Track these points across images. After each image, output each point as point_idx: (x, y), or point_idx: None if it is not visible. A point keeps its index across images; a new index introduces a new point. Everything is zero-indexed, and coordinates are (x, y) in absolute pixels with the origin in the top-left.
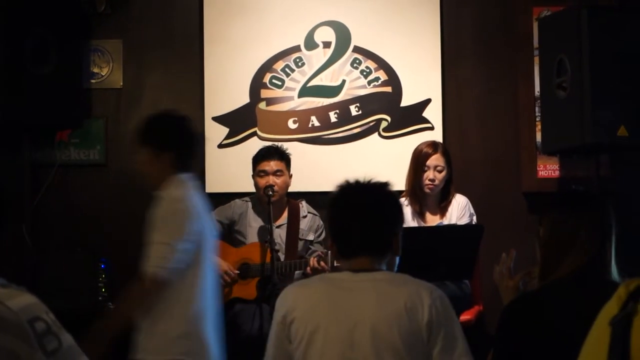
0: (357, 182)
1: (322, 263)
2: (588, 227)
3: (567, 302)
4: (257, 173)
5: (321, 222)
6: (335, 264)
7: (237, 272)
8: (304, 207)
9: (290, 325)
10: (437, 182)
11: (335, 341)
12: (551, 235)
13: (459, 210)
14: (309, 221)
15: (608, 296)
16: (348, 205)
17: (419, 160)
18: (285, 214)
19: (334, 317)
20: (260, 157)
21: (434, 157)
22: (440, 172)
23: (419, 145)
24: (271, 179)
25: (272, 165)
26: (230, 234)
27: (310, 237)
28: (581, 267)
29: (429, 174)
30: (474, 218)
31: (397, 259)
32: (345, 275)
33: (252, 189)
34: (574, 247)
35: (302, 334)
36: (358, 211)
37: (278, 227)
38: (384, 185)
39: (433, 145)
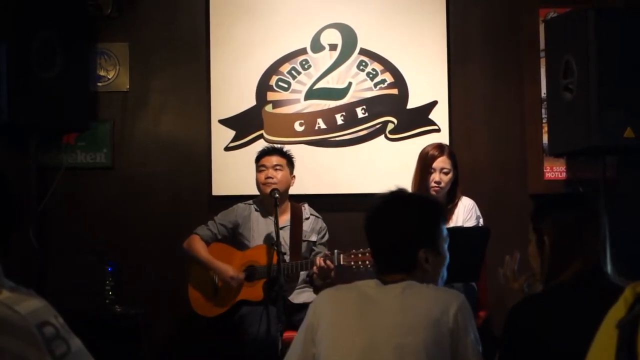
0: (388, 196)
1: (328, 262)
2: (593, 230)
3: (572, 304)
4: (257, 169)
5: (324, 224)
6: (341, 263)
7: (243, 274)
8: (306, 209)
9: (317, 329)
10: (443, 184)
11: (356, 351)
12: (559, 239)
13: (465, 213)
14: (312, 223)
15: (613, 298)
16: (376, 222)
17: (425, 163)
18: (288, 216)
19: (358, 327)
20: (261, 154)
21: (440, 159)
22: (446, 174)
23: (425, 148)
24: (270, 172)
25: (272, 159)
26: (234, 238)
27: (313, 238)
28: (586, 269)
29: (435, 176)
30: (481, 220)
31: (447, 259)
32: (373, 285)
33: (258, 192)
34: (581, 250)
35: (326, 340)
36: (384, 229)
37: (281, 228)
38: (416, 198)
39: (439, 147)
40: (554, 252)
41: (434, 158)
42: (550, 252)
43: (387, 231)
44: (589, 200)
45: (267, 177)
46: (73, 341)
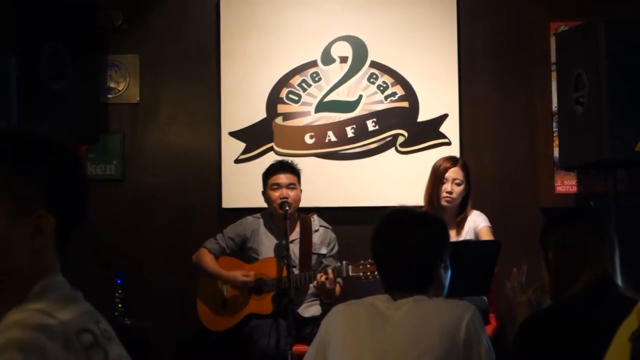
0: (399, 214)
1: (324, 279)
2: (596, 243)
3: (582, 318)
4: (269, 187)
5: (333, 235)
6: (350, 274)
7: (252, 276)
8: (316, 220)
9: (329, 345)
10: (454, 195)
11: None
12: (561, 254)
13: (471, 224)
14: (321, 235)
15: (623, 311)
16: (388, 241)
17: (437, 173)
18: (298, 229)
19: (370, 342)
20: (272, 171)
21: (452, 170)
22: (458, 185)
23: (438, 160)
24: (284, 192)
25: (285, 178)
26: (243, 251)
27: (323, 250)
28: (594, 282)
29: (447, 187)
30: (488, 223)
31: (449, 273)
32: (384, 300)
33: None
34: (585, 264)
35: (338, 356)
36: (398, 249)
37: (291, 242)
38: (427, 216)
39: (452, 159)
40: (559, 267)
41: (447, 169)
42: (554, 267)
43: (404, 253)
44: (592, 215)
45: (282, 197)
46: (112, 348)
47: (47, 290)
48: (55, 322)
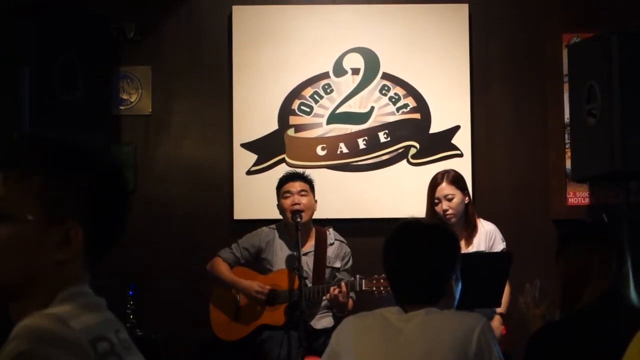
0: (410, 226)
1: (338, 292)
2: (602, 258)
3: (592, 330)
4: (282, 195)
5: (348, 250)
6: (364, 288)
7: (267, 288)
8: (331, 234)
9: (340, 356)
10: (451, 210)
11: None
12: (567, 269)
13: (488, 240)
14: (336, 249)
15: (633, 322)
16: (400, 253)
17: (430, 192)
18: (313, 241)
19: (381, 354)
20: (283, 180)
21: (440, 187)
22: (451, 200)
23: (432, 178)
24: (296, 198)
25: (296, 185)
26: (257, 262)
27: (337, 264)
28: (602, 296)
29: (442, 205)
30: (504, 244)
31: (460, 285)
32: (395, 312)
33: (280, 216)
34: (590, 278)
35: None
36: (409, 261)
37: (305, 254)
38: (438, 229)
39: (441, 175)
40: (567, 283)
41: (436, 187)
42: (563, 282)
43: (416, 265)
44: (599, 229)
45: (295, 204)
46: (129, 358)
47: (70, 298)
48: (67, 329)
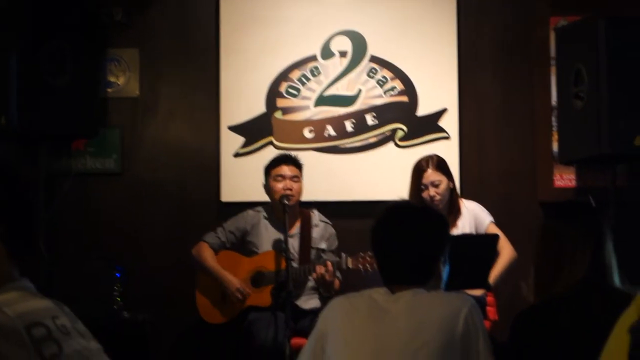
0: (399, 208)
1: (324, 271)
2: (583, 238)
3: (576, 311)
4: (273, 177)
5: (333, 231)
6: (350, 266)
7: (249, 288)
8: (316, 215)
9: (327, 337)
10: (438, 196)
11: (367, 357)
12: (544, 251)
13: (472, 220)
14: (321, 230)
15: (617, 303)
16: (388, 235)
17: (415, 178)
18: (298, 223)
19: (369, 333)
20: (276, 162)
21: (426, 174)
22: (437, 186)
23: (416, 161)
24: (288, 183)
25: (289, 170)
26: (243, 245)
27: (323, 245)
28: (583, 279)
29: (430, 192)
30: (491, 217)
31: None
32: (383, 293)
33: (268, 199)
34: (567, 258)
35: (336, 347)
36: (398, 243)
37: (291, 236)
38: (428, 211)
39: (425, 161)
40: (540, 260)
41: (422, 173)
42: (538, 265)
43: (404, 246)
44: (579, 209)
45: (286, 189)
46: (68, 343)
47: (5, 289)
48: (3, 316)
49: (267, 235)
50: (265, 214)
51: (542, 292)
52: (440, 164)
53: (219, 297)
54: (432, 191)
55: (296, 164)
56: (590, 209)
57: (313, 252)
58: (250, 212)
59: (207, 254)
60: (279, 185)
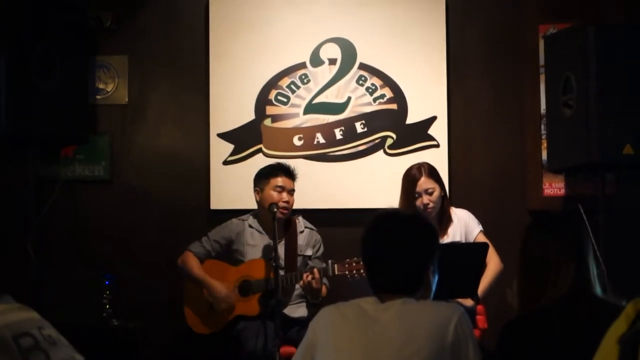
0: (389, 216)
1: (311, 279)
2: (568, 247)
3: (564, 321)
4: (272, 187)
5: (318, 237)
6: (336, 273)
7: (235, 296)
8: (301, 222)
9: (317, 346)
10: (432, 204)
11: None
12: (529, 256)
13: (462, 228)
14: (306, 236)
15: (603, 314)
16: (378, 243)
17: (407, 186)
18: (283, 231)
19: (358, 343)
20: (277, 172)
21: (420, 181)
22: (431, 193)
23: (407, 170)
24: (286, 196)
25: (289, 183)
26: (228, 254)
27: (309, 252)
28: (569, 290)
29: (423, 199)
30: (481, 227)
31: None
32: (372, 302)
33: (257, 207)
34: (552, 267)
35: (324, 357)
36: (387, 251)
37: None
38: (417, 220)
39: (418, 169)
40: (523, 270)
41: (415, 181)
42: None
43: (393, 255)
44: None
45: (284, 202)
46: (55, 352)
47: None
48: None
49: (252, 243)
50: (250, 222)
51: (527, 299)
52: (432, 172)
53: (207, 308)
54: (425, 199)
55: (294, 177)
56: (575, 218)
57: (299, 259)
58: (234, 220)
59: (193, 263)
60: (277, 196)
